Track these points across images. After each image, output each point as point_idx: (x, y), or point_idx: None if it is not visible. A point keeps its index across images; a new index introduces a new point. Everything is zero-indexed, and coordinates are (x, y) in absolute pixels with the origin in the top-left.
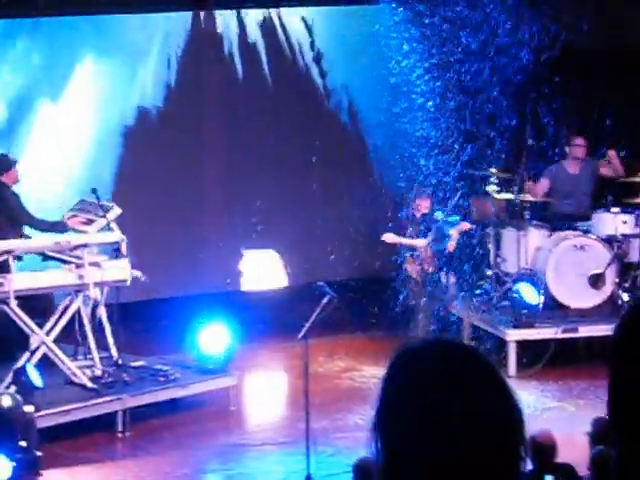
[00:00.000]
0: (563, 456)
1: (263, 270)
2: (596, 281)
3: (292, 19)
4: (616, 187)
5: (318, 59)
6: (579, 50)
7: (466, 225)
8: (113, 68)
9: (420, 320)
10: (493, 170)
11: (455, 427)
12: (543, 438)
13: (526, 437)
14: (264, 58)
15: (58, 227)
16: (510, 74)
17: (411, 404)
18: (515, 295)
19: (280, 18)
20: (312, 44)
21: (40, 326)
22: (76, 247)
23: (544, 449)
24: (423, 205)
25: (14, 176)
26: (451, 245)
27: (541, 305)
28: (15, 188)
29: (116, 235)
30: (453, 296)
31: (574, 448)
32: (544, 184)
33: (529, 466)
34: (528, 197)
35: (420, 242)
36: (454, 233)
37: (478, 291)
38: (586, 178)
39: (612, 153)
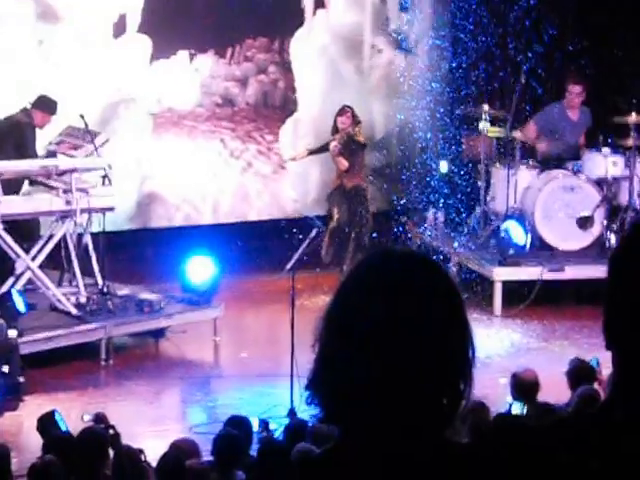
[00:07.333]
0: (545, 395)
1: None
2: (584, 223)
3: None
4: (608, 128)
5: None
6: None
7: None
8: None
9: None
10: (485, 108)
11: (398, 339)
12: (526, 376)
13: (471, 374)
14: None
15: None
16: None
17: (359, 307)
18: (503, 234)
19: None
20: None
21: (26, 251)
22: (63, 172)
23: (526, 386)
24: (340, 121)
25: (44, 121)
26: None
27: (528, 245)
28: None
29: (104, 160)
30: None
31: (556, 387)
32: (534, 127)
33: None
34: (519, 135)
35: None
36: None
37: (466, 228)
38: (582, 126)
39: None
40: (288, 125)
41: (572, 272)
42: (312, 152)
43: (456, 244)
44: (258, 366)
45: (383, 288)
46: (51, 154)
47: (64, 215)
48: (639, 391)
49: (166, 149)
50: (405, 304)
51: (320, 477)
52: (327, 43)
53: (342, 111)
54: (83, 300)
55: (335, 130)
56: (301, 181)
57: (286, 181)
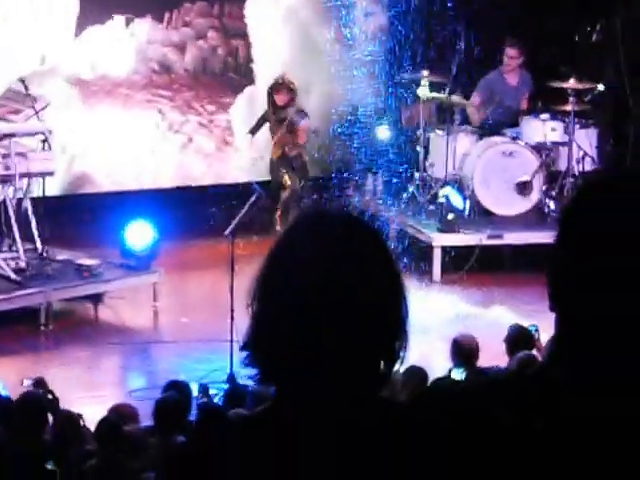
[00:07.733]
0: (483, 361)
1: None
2: (523, 188)
3: None
4: (547, 93)
5: None
6: None
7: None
8: None
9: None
10: (425, 73)
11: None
12: (465, 341)
13: (406, 333)
14: None
15: None
16: None
17: (290, 270)
18: (442, 200)
19: None
20: None
21: None
22: (2, 137)
23: (466, 352)
24: (280, 99)
25: None
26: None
27: (467, 211)
28: None
29: (44, 125)
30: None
31: (494, 354)
32: (477, 98)
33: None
34: (457, 99)
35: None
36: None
37: (405, 195)
38: (522, 91)
39: None
40: (241, 100)
41: (511, 238)
42: (253, 132)
43: (395, 210)
44: (197, 331)
45: (321, 252)
46: None
47: (3, 180)
48: (584, 351)
49: (99, 120)
50: (343, 269)
51: (257, 438)
52: (295, 5)
53: (278, 88)
54: (23, 265)
55: (275, 107)
56: (245, 156)
57: (230, 158)
